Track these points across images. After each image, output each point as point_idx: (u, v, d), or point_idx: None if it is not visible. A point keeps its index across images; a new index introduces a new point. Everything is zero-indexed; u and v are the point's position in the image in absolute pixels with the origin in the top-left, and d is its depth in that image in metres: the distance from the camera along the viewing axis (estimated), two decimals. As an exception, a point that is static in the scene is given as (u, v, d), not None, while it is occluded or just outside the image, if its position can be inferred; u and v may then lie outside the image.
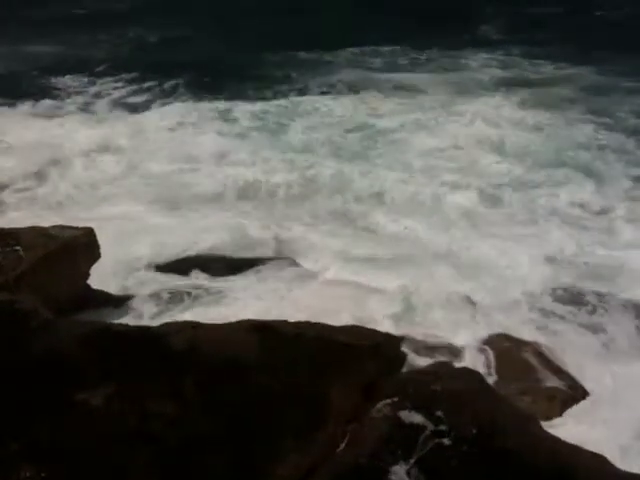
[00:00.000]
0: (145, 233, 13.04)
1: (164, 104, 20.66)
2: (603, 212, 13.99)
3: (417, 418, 4.65)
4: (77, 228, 9.63)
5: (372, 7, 33.06)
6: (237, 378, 4.68)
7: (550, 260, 12.12)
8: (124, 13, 33.35)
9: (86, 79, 23.32)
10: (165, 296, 10.98)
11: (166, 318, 9.65)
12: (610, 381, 9.14)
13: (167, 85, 22.43)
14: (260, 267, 12.05)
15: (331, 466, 4.39)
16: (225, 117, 19.17)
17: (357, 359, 5.14)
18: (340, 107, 20.02)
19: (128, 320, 9.73)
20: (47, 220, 10.65)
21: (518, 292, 11.17)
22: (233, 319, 5.78)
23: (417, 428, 4.57)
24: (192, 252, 12.44)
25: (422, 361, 8.79)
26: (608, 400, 8.81)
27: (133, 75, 23.19)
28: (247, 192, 15.14)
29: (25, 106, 20.41)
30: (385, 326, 9.80)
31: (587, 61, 23.66)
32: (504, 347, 9.71)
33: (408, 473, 4.27)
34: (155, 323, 7.86)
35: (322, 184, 15.26)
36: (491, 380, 8.70)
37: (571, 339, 9.99)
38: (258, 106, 19.88)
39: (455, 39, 27.09)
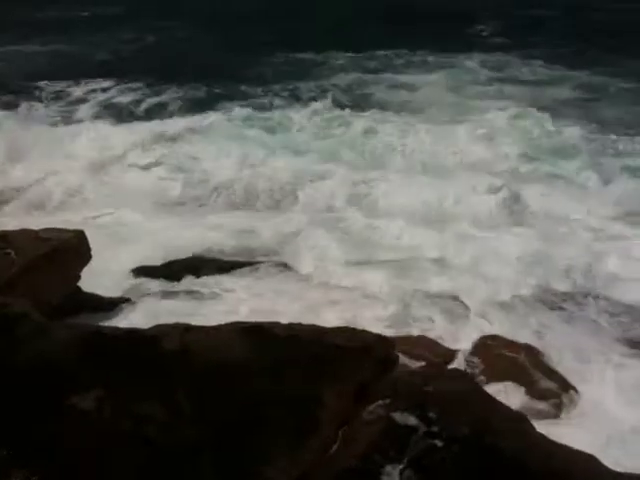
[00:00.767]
0: (136, 235, 13.02)
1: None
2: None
3: (409, 419, 4.66)
4: (68, 230, 9.60)
5: (366, 11, 33.26)
6: (229, 381, 4.67)
7: (540, 261, 12.15)
8: (121, 16, 33.28)
9: (75, 81, 23.22)
10: (157, 298, 10.94)
11: (157, 321, 9.61)
12: (601, 382, 9.17)
13: (158, 90, 22.30)
14: (253, 270, 12.03)
15: (324, 468, 4.38)
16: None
17: (349, 361, 5.14)
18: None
19: (119, 323, 9.70)
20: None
21: (509, 294, 11.21)
22: (225, 321, 5.77)
23: (409, 429, 4.57)
24: (184, 255, 12.42)
25: (414, 363, 8.79)
26: (599, 401, 8.84)
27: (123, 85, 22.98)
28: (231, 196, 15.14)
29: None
30: (377, 328, 9.81)
31: (581, 62, 23.82)
32: (495, 348, 9.72)
33: (401, 474, 4.27)
34: (146, 326, 7.83)
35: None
36: (482, 381, 8.72)
37: (562, 340, 10.02)
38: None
39: (450, 42, 27.18)
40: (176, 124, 18.60)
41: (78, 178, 15.79)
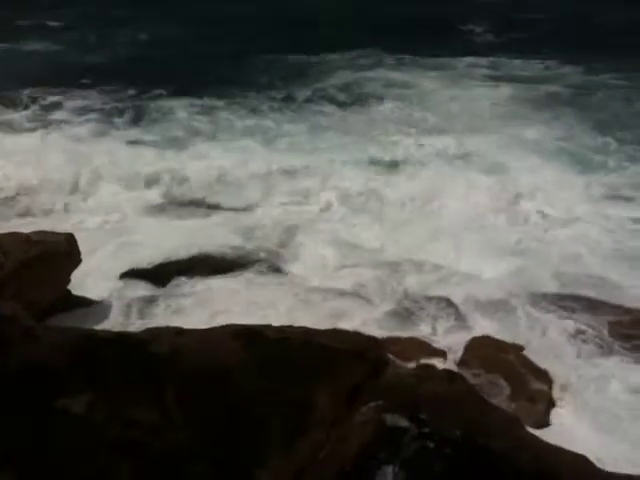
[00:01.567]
0: (126, 238, 12.97)
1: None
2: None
3: (401, 421, 4.66)
4: (58, 234, 9.57)
5: (360, 13, 33.34)
6: (221, 384, 4.65)
7: (530, 264, 12.20)
8: (116, 18, 33.14)
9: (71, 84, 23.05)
10: (148, 301, 10.90)
11: (149, 323, 9.59)
12: (591, 383, 9.22)
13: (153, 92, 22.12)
14: (244, 272, 12.01)
15: (316, 470, 4.38)
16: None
17: (341, 363, 5.13)
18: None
19: (110, 326, 9.67)
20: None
21: (500, 295, 11.24)
22: (215, 324, 5.76)
23: (401, 431, 4.57)
24: (175, 257, 12.38)
25: (406, 364, 8.81)
26: (589, 401, 8.89)
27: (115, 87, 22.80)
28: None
29: None
30: (369, 330, 9.82)
31: (574, 62, 24.00)
32: (487, 349, 9.74)
33: (393, 475, 4.27)
34: (138, 329, 7.81)
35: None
36: (474, 383, 8.73)
37: (553, 341, 10.06)
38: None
39: (443, 43, 27.28)
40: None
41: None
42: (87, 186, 15.40)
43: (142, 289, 11.39)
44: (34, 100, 21.34)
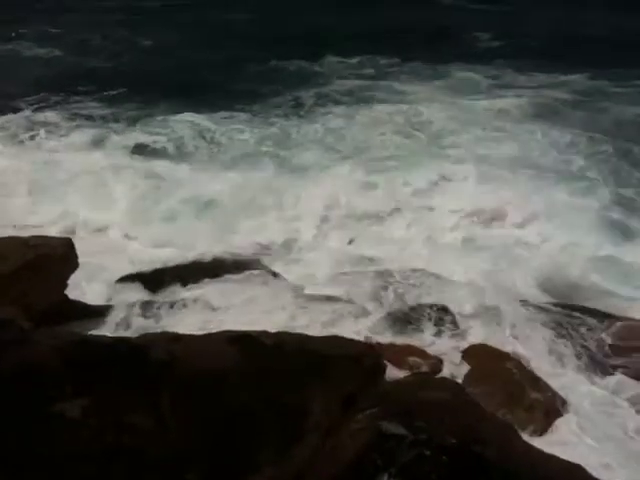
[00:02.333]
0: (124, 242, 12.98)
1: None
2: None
3: (397, 428, 4.65)
4: (55, 238, 9.58)
5: (357, 20, 33.48)
6: (216, 390, 4.65)
7: (527, 271, 12.23)
8: (124, 25, 33.27)
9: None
10: (145, 307, 10.89)
11: (145, 329, 9.58)
12: (589, 392, 9.22)
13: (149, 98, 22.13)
14: (240, 278, 12.01)
15: (311, 477, 4.37)
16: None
17: (337, 370, 5.13)
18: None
19: (107, 331, 9.66)
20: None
21: (497, 302, 11.25)
22: (213, 330, 5.76)
23: (397, 439, 4.57)
24: (172, 262, 12.39)
25: (402, 372, 8.80)
26: (587, 411, 8.89)
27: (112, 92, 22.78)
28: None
29: None
30: (364, 337, 9.83)
31: (578, 71, 24.12)
32: (483, 357, 9.74)
33: (388, 483, 4.27)
34: (134, 334, 7.81)
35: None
36: (470, 390, 8.72)
37: (550, 350, 10.06)
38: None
39: (444, 52, 27.41)
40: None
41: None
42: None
43: (139, 294, 11.39)
44: (30, 105, 21.38)
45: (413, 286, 11.70)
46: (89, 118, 20.28)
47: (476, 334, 10.45)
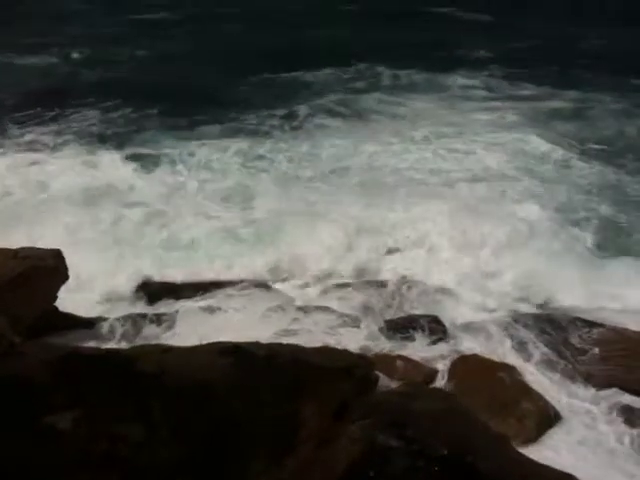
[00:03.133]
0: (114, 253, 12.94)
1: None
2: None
3: (389, 439, 4.65)
4: (45, 250, 9.53)
5: (353, 27, 33.69)
6: (207, 401, 4.62)
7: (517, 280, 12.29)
8: (122, 37, 33.31)
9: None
10: (135, 319, 10.86)
11: (136, 341, 9.55)
12: (581, 402, 9.24)
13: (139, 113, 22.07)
14: (233, 291, 12.00)
15: (303, 489, 4.35)
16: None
17: (329, 381, 5.11)
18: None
19: (97, 343, 9.61)
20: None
21: (488, 314, 11.29)
22: (204, 342, 5.73)
23: (390, 449, 4.56)
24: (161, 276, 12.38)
25: (394, 382, 8.79)
26: (579, 421, 8.90)
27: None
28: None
29: None
30: (357, 348, 9.82)
31: (569, 83, 24.36)
32: (475, 367, 9.75)
33: (380, 495, 4.25)
34: (124, 346, 7.77)
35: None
36: (463, 401, 8.72)
37: (542, 360, 10.08)
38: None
39: (436, 62, 27.58)
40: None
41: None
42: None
43: (130, 307, 11.35)
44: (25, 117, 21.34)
45: (405, 296, 11.74)
46: (81, 134, 20.23)
47: (468, 344, 10.47)
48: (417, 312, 11.23)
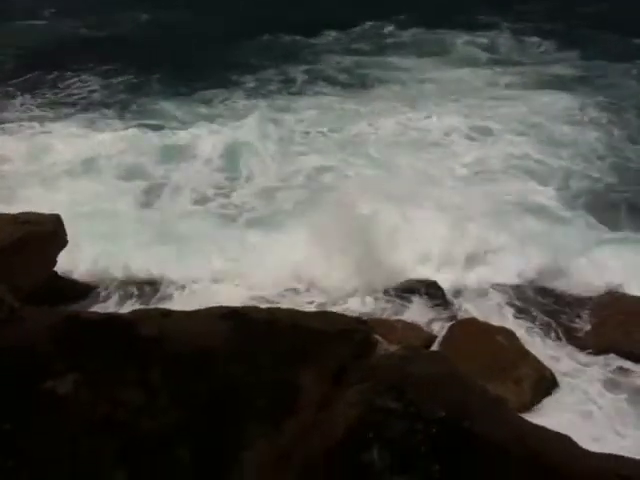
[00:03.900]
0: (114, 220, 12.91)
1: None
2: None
3: (388, 402, 4.68)
4: (44, 214, 9.50)
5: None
6: (207, 365, 4.65)
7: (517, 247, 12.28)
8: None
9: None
10: (134, 284, 10.88)
11: (135, 306, 9.58)
12: (578, 367, 9.33)
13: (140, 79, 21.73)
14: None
15: (302, 451, 4.39)
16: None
17: (328, 345, 5.14)
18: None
19: (96, 308, 9.66)
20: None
21: (487, 278, 11.32)
22: (203, 306, 5.75)
23: (388, 412, 4.59)
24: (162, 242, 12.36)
25: (392, 346, 8.84)
26: (576, 385, 9.00)
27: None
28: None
29: None
30: (356, 312, 9.87)
31: (573, 42, 23.98)
32: (474, 331, 9.82)
33: (379, 457, 4.30)
34: (124, 311, 7.80)
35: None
36: (461, 364, 8.78)
37: (540, 324, 10.14)
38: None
39: (439, 20, 27.07)
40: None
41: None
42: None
43: (131, 271, 11.36)
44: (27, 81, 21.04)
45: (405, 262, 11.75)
46: (82, 101, 19.96)
47: (466, 309, 10.52)
48: (415, 276, 11.24)
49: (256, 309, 5.56)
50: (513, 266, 11.61)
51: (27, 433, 3.94)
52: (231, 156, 15.93)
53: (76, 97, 20.07)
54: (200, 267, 11.33)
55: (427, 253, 11.41)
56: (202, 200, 14.19)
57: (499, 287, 11.03)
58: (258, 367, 4.69)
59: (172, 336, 4.94)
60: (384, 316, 10.23)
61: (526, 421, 5.05)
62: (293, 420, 4.52)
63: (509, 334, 9.66)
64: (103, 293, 10.63)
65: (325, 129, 17.42)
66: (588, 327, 10.02)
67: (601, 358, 9.29)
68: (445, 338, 9.69)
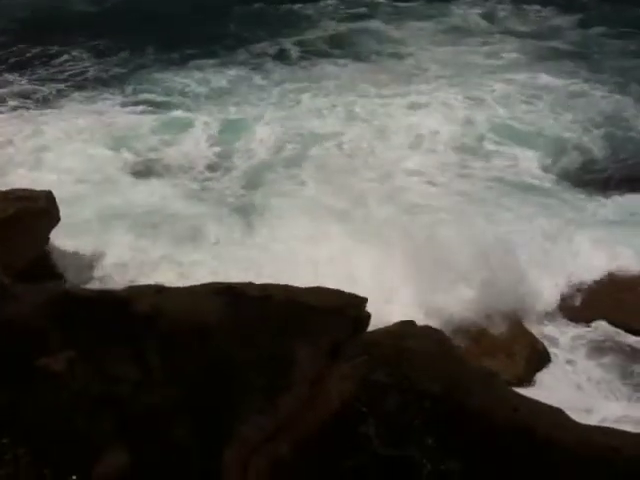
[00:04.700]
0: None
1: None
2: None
3: (382, 376, 4.72)
4: (36, 191, 9.43)
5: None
6: (202, 341, 4.67)
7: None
8: None
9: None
10: (128, 260, 10.83)
11: (129, 281, 9.53)
12: (571, 340, 9.38)
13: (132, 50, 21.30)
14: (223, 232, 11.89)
15: (297, 426, 4.43)
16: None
17: (322, 320, 5.16)
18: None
19: (90, 284, 9.62)
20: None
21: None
22: (198, 282, 5.75)
23: (381, 386, 4.63)
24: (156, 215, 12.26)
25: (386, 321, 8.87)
26: (568, 358, 9.07)
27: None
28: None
29: None
30: (349, 287, 9.84)
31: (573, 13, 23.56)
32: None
33: (374, 430, 4.34)
34: (118, 287, 7.76)
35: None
36: (454, 339, 8.84)
37: (531, 296, 10.15)
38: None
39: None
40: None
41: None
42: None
43: (124, 246, 11.29)
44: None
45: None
46: (76, 78, 19.60)
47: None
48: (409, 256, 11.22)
49: (250, 285, 5.56)
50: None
51: (23, 410, 3.96)
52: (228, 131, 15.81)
53: (69, 73, 19.72)
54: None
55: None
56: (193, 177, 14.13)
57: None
58: (253, 343, 4.71)
59: (167, 312, 4.95)
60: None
61: (518, 394, 5.11)
62: (288, 395, 4.56)
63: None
64: (97, 268, 10.59)
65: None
66: (580, 300, 10.06)
67: (593, 327, 9.35)
68: (439, 312, 9.73)
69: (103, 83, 18.95)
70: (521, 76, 18.17)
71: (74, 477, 3.71)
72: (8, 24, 23.07)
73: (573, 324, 9.66)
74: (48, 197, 9.37)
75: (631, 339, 9.25)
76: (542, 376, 8.78)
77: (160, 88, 18.36)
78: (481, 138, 14.92)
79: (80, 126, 15.62)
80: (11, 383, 4.04)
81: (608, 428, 5.15)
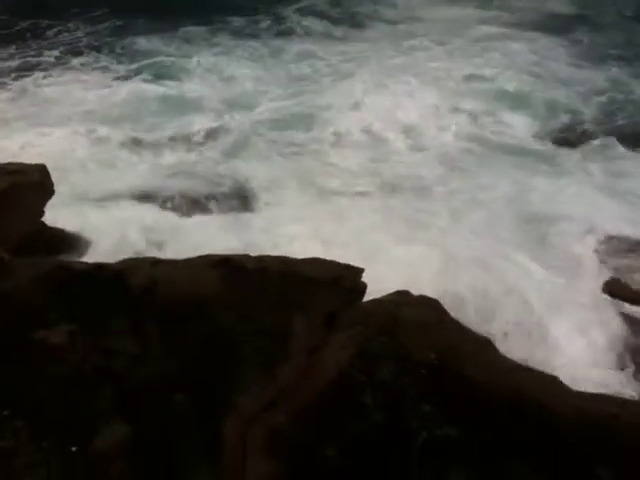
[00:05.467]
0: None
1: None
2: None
3: (378, 345, 4.74)
4: (30, 164, 9.36)
5: None
6: (199, 313, 4.68)
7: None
8: None
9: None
10: (123, 232, 10.79)
11: (125, 255, 9.50)
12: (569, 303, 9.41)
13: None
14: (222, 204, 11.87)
15: (294, 396, 4.47)
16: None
17: (318, 291, 5.17)
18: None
19: (86, 258, 9.60)
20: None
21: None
22: (195, 254, 5.73)
23: (378, 356, 4.66)
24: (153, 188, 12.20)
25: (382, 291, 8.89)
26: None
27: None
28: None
29: None
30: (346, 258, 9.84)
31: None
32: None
33: (371, 399, 4.38)
34: (115, 260, 7.74)
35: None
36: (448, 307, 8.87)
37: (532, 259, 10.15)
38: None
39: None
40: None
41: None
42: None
43: (119, 219, 11.25)
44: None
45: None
46: (72, 50, 19.32)
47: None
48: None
49: (247, 257, 5.56)
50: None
51: (21, 383, 3.98)
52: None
53: (63, 43, 19.48)
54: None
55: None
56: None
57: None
58: (250, 314, 4.72)
59: (163, 285, 4.95)
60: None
61: (513, 362, 5.15)
62: (285, 365, 4.58)
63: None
64: (93, 241, 10.56)
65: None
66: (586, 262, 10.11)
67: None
68: (435, 282, 9.76)
69: (96, 49, 18.78)
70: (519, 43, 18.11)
71: (73, 449, 3.74)
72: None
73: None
74: (42, 170, 9.30)
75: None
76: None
77: (156, 57, 18.21)
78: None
79: (76, 97, 15.55)
80: (10, 357, 4.05)
81: (604, 395, 5.20)
